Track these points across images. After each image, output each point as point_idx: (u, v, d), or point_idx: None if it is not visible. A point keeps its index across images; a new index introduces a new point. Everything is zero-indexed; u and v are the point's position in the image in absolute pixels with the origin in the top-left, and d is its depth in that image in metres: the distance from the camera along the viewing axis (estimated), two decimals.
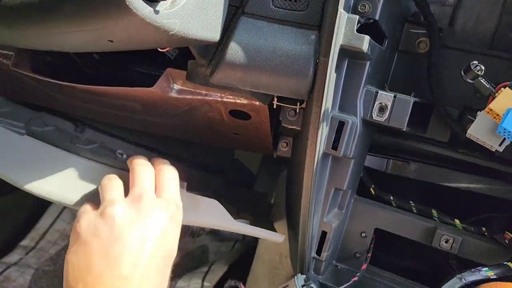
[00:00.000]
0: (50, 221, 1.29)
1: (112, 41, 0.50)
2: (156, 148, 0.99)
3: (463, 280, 0.56)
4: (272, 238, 0.75)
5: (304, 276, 0.64)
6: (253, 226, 0.74)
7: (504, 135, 0.51)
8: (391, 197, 0.75)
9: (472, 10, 0.70)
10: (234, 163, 0.99)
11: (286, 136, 0.77)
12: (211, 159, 0.97)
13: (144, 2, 0.44)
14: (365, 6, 0.55)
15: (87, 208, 0.65)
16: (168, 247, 0.62)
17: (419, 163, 0.76)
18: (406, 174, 0.78)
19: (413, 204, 0.73)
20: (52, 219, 1.29)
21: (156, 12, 0.46)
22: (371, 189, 0.77)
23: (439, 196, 0.80)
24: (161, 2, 0.46)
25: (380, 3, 0.55)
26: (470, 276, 0.56)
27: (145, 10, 0.44)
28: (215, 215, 0.73)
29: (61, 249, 1.26)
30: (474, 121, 0.67)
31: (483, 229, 0.66)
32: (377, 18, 0.55)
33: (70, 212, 1.32)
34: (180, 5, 0.48)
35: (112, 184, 0.66)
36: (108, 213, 0.60)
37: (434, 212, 0.71)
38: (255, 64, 0.55)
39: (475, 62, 0.55)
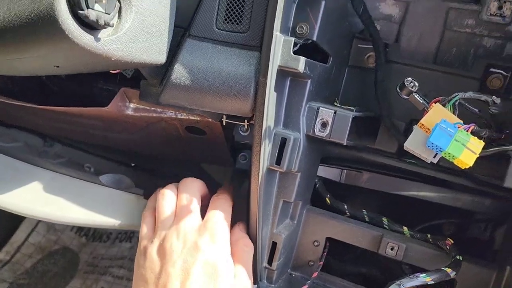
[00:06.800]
0: (25, 235, 1.30)
1: (58, 67, 0.53)
2: (124, 161, 1.01)
3: (401, 286, 0.58)
4: None
5: (255, 286, 0.66)
6: None
7: (433, 149, 0.54)
8: (345, 206, 0.78)
9: (415, 27, 0.74)
10: (200, 173, 1.01)
11: (244, 149, 0.80)
12: (177, 170, 0.99)
13: (84, 30, 0.47)
14: (303, 28, 0.58)
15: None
16: None
17: (371, 173, 0.79)
18: (360, 183, 0.81)
19: (366, 213, 0.76)
20: (27, 232, 1.31)
21: (97, 39, 0.48)
22: (327, 198, 0.80)
23: (392, 204, 0.83)
24: (103, 30, 0.49)
25: (317, 25, 0.58)
26: (408, 282, 0.59)
27: (85, 38, 0.47)
28: None
29: (36, 262, 1.27)
30: None
31: (428, 236, 0.69)
32: (314, 39, 0.58)
33: (45, 225, 1.34)
34: (122, 31, 0.51)
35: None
36: None
37: (385, 220, 0.74)
38: (199, 84, 0.58)
39: (409, 78, 0.58)
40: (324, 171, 0.82)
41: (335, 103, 0.74)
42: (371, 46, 0.73)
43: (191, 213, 0.64)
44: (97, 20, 0.47)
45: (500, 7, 0.69)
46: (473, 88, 0.71)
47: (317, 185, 0.81)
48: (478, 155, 0.53)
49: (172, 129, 0.74)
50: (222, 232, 0.62)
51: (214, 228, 0.61)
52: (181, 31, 0.61)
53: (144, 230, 0.66)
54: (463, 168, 0.54)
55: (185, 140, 0.77)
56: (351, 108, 0.67)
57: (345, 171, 0.81)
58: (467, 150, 0.53)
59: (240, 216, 0.71)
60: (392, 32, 0.76)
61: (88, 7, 0.45)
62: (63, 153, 1.02)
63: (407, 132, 0.73)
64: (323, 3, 0.57)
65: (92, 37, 0.47)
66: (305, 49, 0.60)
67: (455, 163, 0.54)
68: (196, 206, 0.65)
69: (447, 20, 0.72)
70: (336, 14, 0.64)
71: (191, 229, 0.61)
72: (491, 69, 0.70)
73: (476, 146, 0.53)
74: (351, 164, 0.80)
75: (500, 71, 0.70)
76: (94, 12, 0.46)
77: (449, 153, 0.53)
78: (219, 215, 0.63)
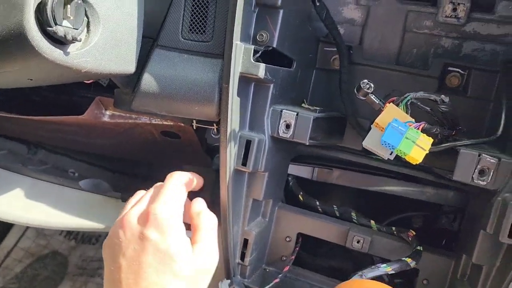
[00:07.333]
0: (14, 240, 1.33)
1: (31, 79, 0.56)
2: (105, 165, 1.04)
3: (363, 276, 0.62)
4: None
5: (229, 281, 0.69)
6: None
7: (386, 147, 0.58)
8: (317, 203, 0.81)
9: (377, 29, 0.77)
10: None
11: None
12: (158, 173, 1.02)
13: (53, 46, 0.50)
14: (263, 36, 0.61)
15: None
16: None
17: (341, 170, 0.83)
18: (331, 180, 0.84)
19: (336, 208, 0.79)
20: (17, 237, 1.33)
21: (67, 54, 0.51)
22: (299, 196, 0.83)
23: (365, 199, 0.87)
24: (71, 44, 0.52)
25: (276, 32, 0.61)
26: (370, 273, 0.62)
27: (55, 53, 0.50)
28: None
29: (26, 266, 1.30)
30: None
31: (393, 228, 0.73)
32: (274, 45, 0.61)
33: (35, 230, 1.37)
34: (91, 44, 0.54)
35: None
36: None
37: (353, 214, 0.77)
38: (167, 92, 0.61)
39: (365, 80, 0.62)
40: (296, 170, 0.85)
41: (303, 104, 0.77)
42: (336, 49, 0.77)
43: (141, 203, 0.59)
44: (65, 36, 0.50)
45: (454, 9, 0.73)
46: (433, 87, 0.74)
47: (291, 184, 0.84)
48: (427, 152, 0.57)
49: (148, 134, 0.77)
50: (168, 216, 0.57)
51: (158, 213, 0.56)
52: (150, 42, 0.65)
53: None
54: (414, 163, 0.57)
55: (161, 143, 0.80)
56: (317, 108, 0.70)
57: (317, 169, 0.84)
58: (416, 147, 0.56)
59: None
60: (355, 35, 0.80)
61: (56, 24, 0.49)
62: (47, 159, 1.05)
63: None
64: (281, 11, 0.60)
65: (61, 51, 0.50)
66: (269, 55, 0.63)
67: (407, 160, 0.57)
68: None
69: (406, 22, 0.76)
70: (297, 21, 0.68)
71: (136, 219, 0.57)
72: (449, 68, 0.74)
73: (425, 143, 0.57)
74: (322, 162, 0.84)
75: (457, 70, 0.74)
76: (62, 28, 0.49)
77: (400, 150, 0.56)
78: (165, 197, 0.59)
